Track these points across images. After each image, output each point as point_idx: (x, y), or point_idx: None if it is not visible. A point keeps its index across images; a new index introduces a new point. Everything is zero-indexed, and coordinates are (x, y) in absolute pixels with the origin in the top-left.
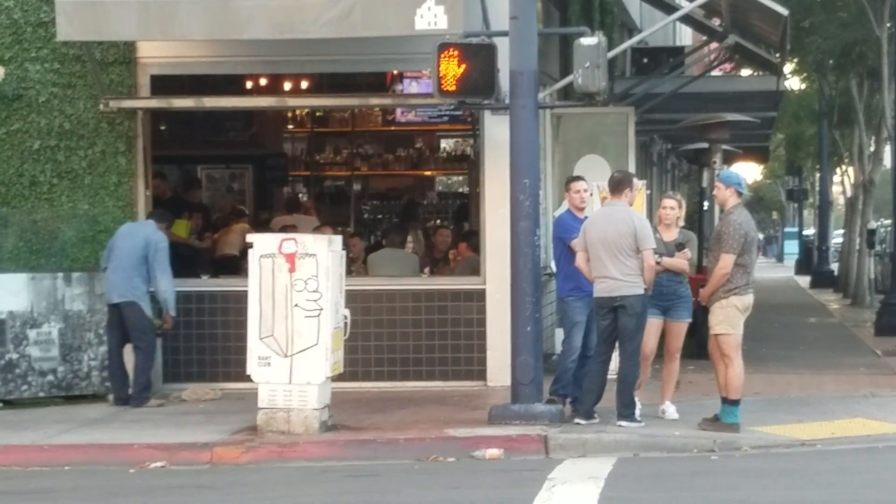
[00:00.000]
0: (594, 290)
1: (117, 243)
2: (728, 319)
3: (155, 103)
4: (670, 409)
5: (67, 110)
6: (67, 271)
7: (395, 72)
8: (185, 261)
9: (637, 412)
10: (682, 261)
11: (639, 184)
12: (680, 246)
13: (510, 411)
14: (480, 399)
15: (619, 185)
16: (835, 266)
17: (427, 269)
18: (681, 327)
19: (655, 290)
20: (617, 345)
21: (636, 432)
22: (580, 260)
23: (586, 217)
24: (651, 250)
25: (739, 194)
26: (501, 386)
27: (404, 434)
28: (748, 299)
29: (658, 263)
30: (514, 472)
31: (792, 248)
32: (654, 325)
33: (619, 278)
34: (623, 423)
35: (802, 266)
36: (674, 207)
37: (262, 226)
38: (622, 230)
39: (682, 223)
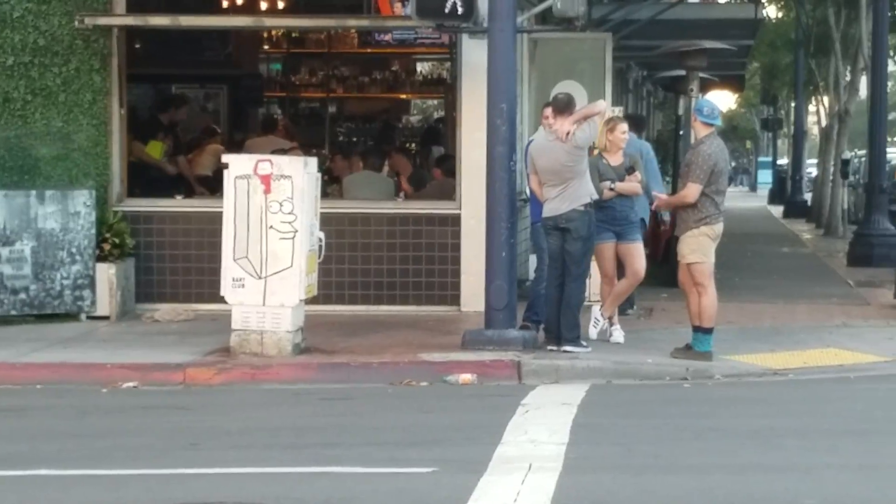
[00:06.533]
0: (543, 211)
1: None
2: (700, 248)
3: (131, 21)
4: (617, 333)
5: (42, 26)
6: (41, 189)
7: None
8: (154, 181)
9: (582, 336)
10: (634, 184)
11: (616, 110)
12: (630, 169)
13: (484, 336)
14: (454, 324)
15: (567, 106)
16: (808, 196)
17: (402, 193)
18: (638, 247)
19: (608, 215)
20: None
21: (609, 359)
22: (533, 183)
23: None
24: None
25: (708, 125)
26: (475, 311)
27: (378, 358)
28: (718, 228)
29: (611, 190)
30: (488, 397)
31: (765, 177)
32: (609, 248)
33: (564, 198)
34: (568, 347)
35: (776, 196)
36: (628, 132)
37: (236, 146)
38: (568, 147)
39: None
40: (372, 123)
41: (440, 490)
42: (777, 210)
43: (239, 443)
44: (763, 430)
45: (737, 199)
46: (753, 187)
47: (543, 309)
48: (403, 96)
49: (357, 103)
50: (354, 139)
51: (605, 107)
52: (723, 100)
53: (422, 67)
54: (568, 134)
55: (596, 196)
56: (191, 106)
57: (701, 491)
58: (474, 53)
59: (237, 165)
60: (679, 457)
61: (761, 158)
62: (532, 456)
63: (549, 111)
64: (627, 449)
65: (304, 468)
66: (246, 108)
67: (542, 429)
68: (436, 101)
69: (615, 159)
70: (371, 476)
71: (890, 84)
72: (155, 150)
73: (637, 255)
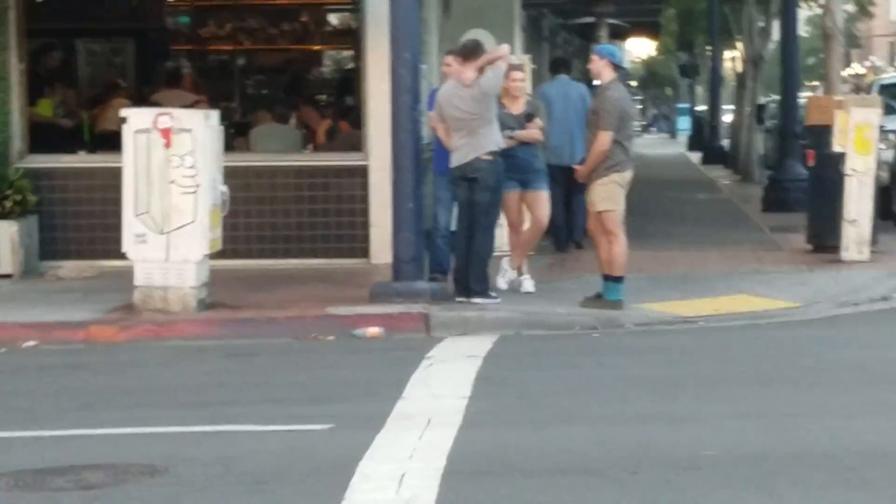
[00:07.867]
0: (451, 161)
1: None
2: (611, 196)
3: None
4: (527, 283)
5: None
6: None
7: None
8: (59, 137)
9: (491, 287)
10: (534, 131)
11: (524, 58)
12: (529, 116)
13: (391, 289)
14: (363, 277)
15: (473, 52)
16: (726, 142)
17: (311, 145)
18: (542, 195)
19: (512, 164)
20: None
21: (518, 310)
22: (440, 132)
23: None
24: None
25: (615, 67)
26: (384, 263)
27: (284, 312)
28: (628, 175)
29: (511, 138)
30: (394, 350)
31: (684, 124)
32: (513, 197)
33: (471, 146)
34: (477, 299)
35: (694, 142)
36: (524, 79)
37: (143, 101)
38: (474, 94)
39: (527, 92)
40: (282, 76)
41: (334, 447)
42: (696, 156)
43: (136, 402)
44: (669, 379)
45: (656, 145)
46: (673, 134)
47: (447, 258)
48: (313, 48)
49: (266, 55)
50: (264, 92)
51: (508, 50)
52: (641, 46)
53: (332, 18)
54: (471, 81)
55: (503, 145)
56: (97, 60)
57: (599, 443)
58: (379, 3)
59: (136, 120)
60: (581, 408)
61: (680, 105)
62: (432, 411)
63: (449, 59)
64: (529, 401)
65: (200, 427)
66: (153, 62)
67: (445, 382)
68: (349, 53)
69: (516, 107)
70: (266, 434)
71: (808, 29)
72: (45, 108)
73: (541, 203)
